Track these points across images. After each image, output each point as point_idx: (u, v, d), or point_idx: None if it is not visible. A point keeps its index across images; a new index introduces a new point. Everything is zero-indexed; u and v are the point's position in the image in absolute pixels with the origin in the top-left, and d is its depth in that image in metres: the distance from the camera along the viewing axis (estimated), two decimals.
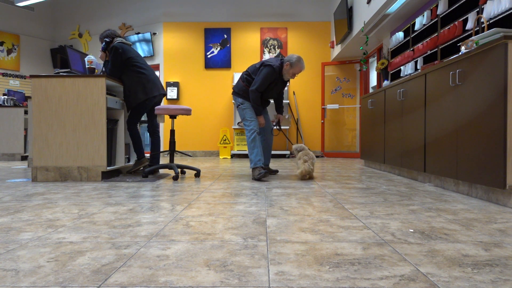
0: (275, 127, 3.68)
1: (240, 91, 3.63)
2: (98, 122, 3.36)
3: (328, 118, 7.58)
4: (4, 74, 8.39)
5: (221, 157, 7.28)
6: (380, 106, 4.25)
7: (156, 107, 3.57)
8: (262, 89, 3.51)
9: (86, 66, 3.65)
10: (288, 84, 3.79)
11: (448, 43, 3.72)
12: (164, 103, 7.50)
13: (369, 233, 1.55)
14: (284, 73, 3.57)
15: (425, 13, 4.19)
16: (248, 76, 3.66)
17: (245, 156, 7.56)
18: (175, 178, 3.44)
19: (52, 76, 3.37)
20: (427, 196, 2.50)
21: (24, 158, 6.67)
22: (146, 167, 3.87)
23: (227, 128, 7.39)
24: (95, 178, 3.36)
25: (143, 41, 7.76)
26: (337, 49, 7.09)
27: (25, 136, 6.72)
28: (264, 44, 7.57)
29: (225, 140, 7.25)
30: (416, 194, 2.61)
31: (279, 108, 4.00)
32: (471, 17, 3.31)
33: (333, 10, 7.37)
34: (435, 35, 3.99)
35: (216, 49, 7.62)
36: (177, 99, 7.57)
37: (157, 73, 7.83)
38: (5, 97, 6.86)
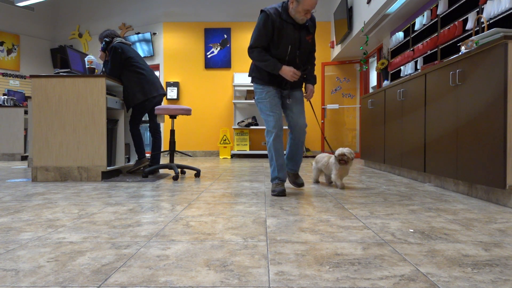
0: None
1: (250, 70, 2.75)
2: (98, 122, 3.36)
3: (328, 118, 7.58)
4: (4, 74, 8.39)
5: (221, 157, 7.28)
6: (380, 106, 4.25)
7: (156, 107, 3.58)
8: (260, 43, 2.55)
9: (86, 66, 3.65)
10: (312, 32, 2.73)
11: (448, 43, 3.72)
12: (164, 103, 7.50)
13: (369, 233, 1.55)
14: (294, 14, 2.51)
15: (425, 13, 4.19)
16: None
17: (245, 156, 7.56)
18: (175, 178, 3.44)
19: (52, 76, 3.37)
20: (427, 196, 2.50)
21: (24, 158, 6.67)
22: (146, 167, 3.87)
23: (227, 128, 7.38)
24: (95, 178, 3.36)
25: (143, 41, 7.75)
26: (337, 49, 7.09)
27: (25, 136, 6.72)
28: None
29: (225, 140, 7.25)
30: (416, 194, 2.61)
31: (308, 75, 2.77)
32: (471, 17, 3.31)
33: (333, 10, 7.37)
34: (435, 35, 3.99)
35: (216, 49, 7.62)
36: (177, 99, 7.57)
37: (157, 73, 7.83)
38: (5, 97, 6.86)
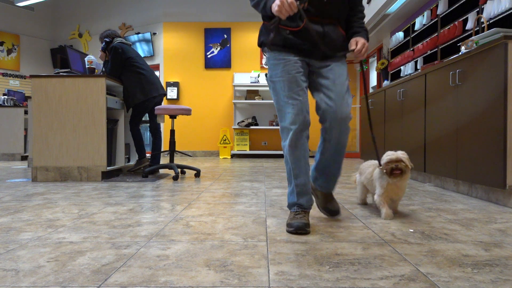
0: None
1: (258, 36, 1.75)
2: (98, 122, 3.36)
3: None
4: (4, 74, 8.39)
5: (221, 157, 7.28)
6: (380, 106, 4.25)
7: (156, 107, 3.58)
8: None
9: (86, 66, 3.65)
10: None
11: (448, 43, 3.72)
12: (164, 103, 7.50)
13: (369, 233, 1.55)
14: None
15: (425, 13, 4.19)
16: None
17: (245, 156, 7.56)
18: (175, 178, 3.44)
19: (52, 76, 3.37)
20: (427, 196, 2.50)
21: (24, 158, 6.67)
22: (146, 167, 3.87)
23: (227, 128, 7.38)
24: (95, 178, 3.36)
25: (143, 41, 7.75)
26: None
27: (25, 136, 6.72)
28: None
29: (225, 140, 7.25)
30: (416, 194, 2.61)
31: (356, 26, 1.73)
32: (471, 17, 3.31)
33: None
34: (435, 35, 3.99)
35: (216, 49, 7.62)
36: (177, 99, 7.57)
37: (157, 73, 7.83)
38: (5, 97, 6.86)
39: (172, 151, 3.75)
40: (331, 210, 1.81)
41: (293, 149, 1.61)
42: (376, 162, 1.97)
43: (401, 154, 1.78)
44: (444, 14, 3.82)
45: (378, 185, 1.85)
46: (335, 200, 1.84)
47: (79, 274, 1.09)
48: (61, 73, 3.54)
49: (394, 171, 1.75)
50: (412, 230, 1.59)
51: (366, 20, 5.21)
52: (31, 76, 3.41)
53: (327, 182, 1.79)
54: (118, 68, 3.65)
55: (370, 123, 1.81)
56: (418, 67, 4.33)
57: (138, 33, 7.79)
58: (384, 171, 1.79)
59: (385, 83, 5.14)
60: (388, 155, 1.79)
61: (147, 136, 7.62)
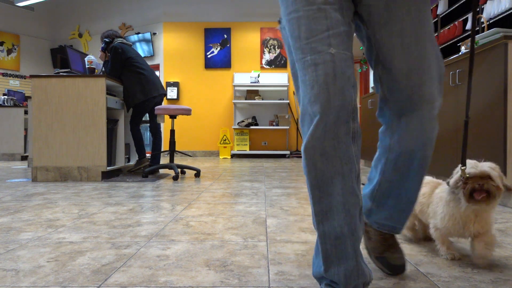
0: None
1: None
2: (98, 122, 3.36)
3: None
4: (4, 74, 8.39)
5: (221, 157, 7.28)
6: None
7: (156, 107, 3.58)
8: None
9: (86, 66, 3.65)
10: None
11: (448, 43, 3.72)
12: (164, 103, 7.50)
13: None
14: None
15: None
16: None
17: (245, 156, 7.55)
18: (175, 178, 3.44)
19: (52, 76, 3.37)
20: None
21: (24, 158, 6.67)
22: (146, 167, 3.87)
23: (227, 128, 7.39)
24: (95, 178, 3.36)
25: (143, 41, 7.76)
26: None
27: (25, 136, 6.72)
28: (264, 44, 7.57)
29: (225, 140, 7.25)
30: None
31: None
32: (471, 17, 3.31)
33: None
34: (435, 35, 4.00)
35: (216, 49, 7.62)
36: (177, 99, 7.57)
37: (157, 73, 7.83)
38: (5, 97, 6.86)
39: (172, 151, 3.75)
40: (392, 263, 1.05)
41: (317, 156, 0.81)
42: (432, 179, 1.35)
43: (488, 167, 1.08)
44: (444, 14, 3.82)
45: (439, 213, 1.19)
46: (400, 248, 1.09)
47: (79, 274, 1.09)
48: (61, 73, 3.54)
49: (476, 193, 1.06)
50: None
51: None
52: (31, 76, 3.41)
53: (395, 216, 1.06)
54: (118, 68, 3.65)
55: (468, 96, 1.00)
56: None
57: (138, 33, 7.79)
58: (460, 190, 1.10)
59: None
60: (470, 168, 1.09)
61: (147, 136, 7.63)
